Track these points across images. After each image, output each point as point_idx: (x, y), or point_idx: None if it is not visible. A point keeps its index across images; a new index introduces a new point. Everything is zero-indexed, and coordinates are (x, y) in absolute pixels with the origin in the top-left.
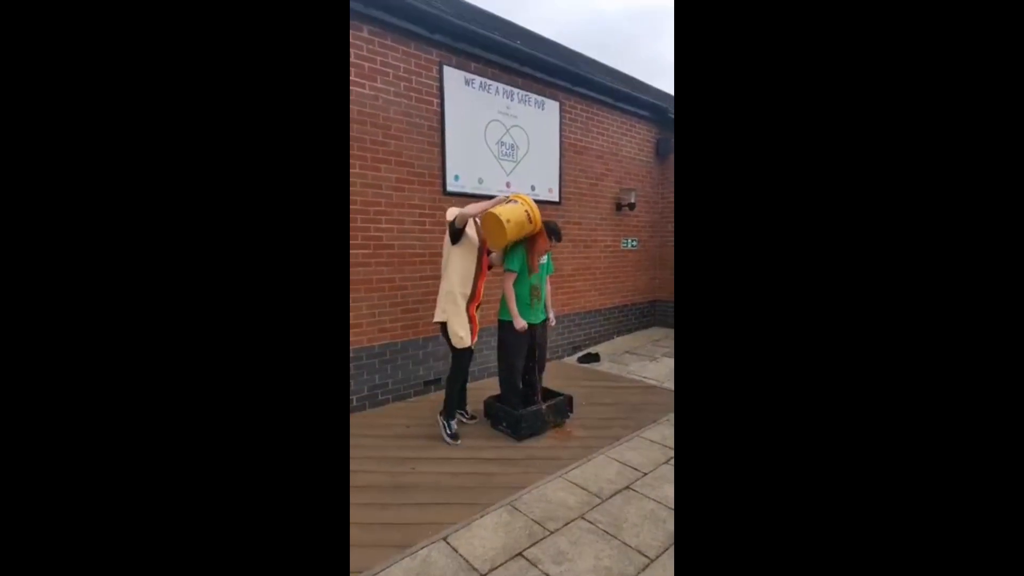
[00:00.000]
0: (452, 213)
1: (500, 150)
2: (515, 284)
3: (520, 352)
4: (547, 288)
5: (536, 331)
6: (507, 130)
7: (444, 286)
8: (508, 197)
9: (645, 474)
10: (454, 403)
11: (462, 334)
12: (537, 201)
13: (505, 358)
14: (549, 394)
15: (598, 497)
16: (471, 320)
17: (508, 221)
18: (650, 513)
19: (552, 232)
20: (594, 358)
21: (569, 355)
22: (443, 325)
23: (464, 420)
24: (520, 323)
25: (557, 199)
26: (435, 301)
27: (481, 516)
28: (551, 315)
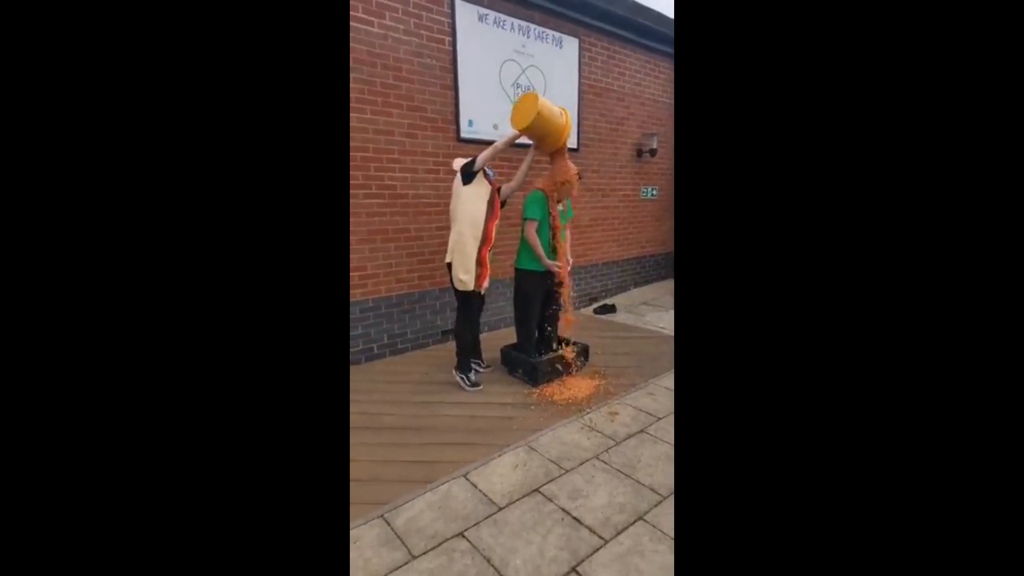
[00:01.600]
0: (459, 163)
1: (516, 93)
2: (538, 231)
3: (536, 299)
4: (567, 234)
5: (552, 280)
6: (523, 71)
7: (455, 228)
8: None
9: (659, 419)
10: (468, 354)
11: (464, 277)
12: None
13: (521, 306)
14: (565, 344)
15: (612, 440)
16: (482, 264)
17: (543, 105)
18: (663, 455)
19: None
20: (610, 309)
21: (585, 306)
22: (449, 266)
23: (479, 370)
24: (551, 264)
25: (575, 145)
26: (445, 251)
27: (499, 455)
28: (568, 259)
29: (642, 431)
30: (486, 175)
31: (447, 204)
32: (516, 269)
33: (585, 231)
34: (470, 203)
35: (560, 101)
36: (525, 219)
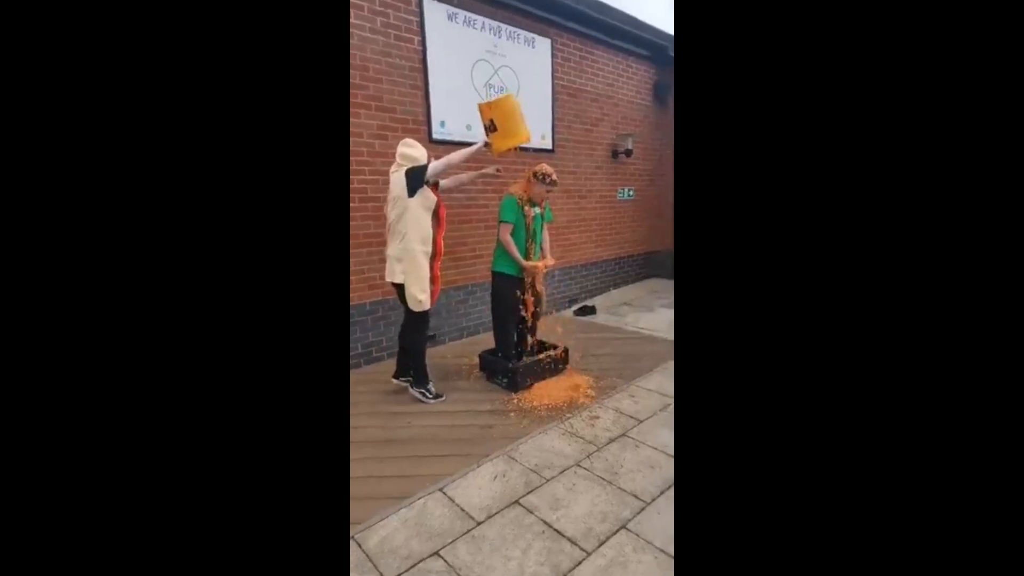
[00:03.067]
0: (405, 151)
1: (488, 93)
2: (513, 234)
3: (514, 304)
4: (544, 236)
5: (531, 284)
6: (495, 71)
7: (399, 244)
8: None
9: (641, 422)
10: (423, 368)
11: (421, 297)
12: (531, 149)
13: (499, 310)
14: (544, 345)
15: (594, 445)
16: (435, 280)
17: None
18: (646, 459)
19: (544, 178)
20: (590, 311)
21: (566, 308)
22: (400, 287)
23: (429, 397)
24: (526, 262)
25: (550, 146)
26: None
27: (478, 466)
28: (548, 261)
29: (623, 435)
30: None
31: None
32: (493, 272)
33: (563, 232)
34: (418, 216)
35: (534, 102)
36: (499, 222)
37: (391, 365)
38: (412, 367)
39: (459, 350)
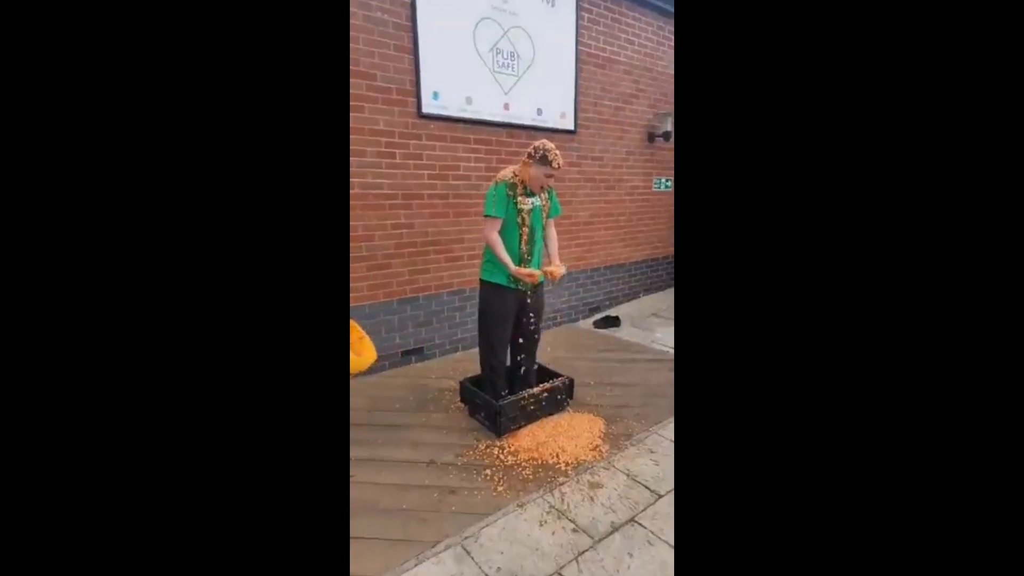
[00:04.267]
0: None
1: (495, 59)
2: (501, 232)
3: (504, 320)
4: (550, 234)
5: (527, 296)
6: (504, 32)
7: None
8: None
9: (659, 497)
10: None
11: None
12: (547, 129)
13: (484, 329)
14: (545, 374)
15: (588, 536)
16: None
17: None
18: (660, 564)
19: (543, 157)
20: (613, 322)
21: (585, 317)
22: None
23: None
24: (517, 268)
25: (571, 127)
26: (410, 253)
27: (416, 564)
28: (554, 268)
29: (632, 520)
30: None
31: (406, 196)
32: (480, 282)
33: (584, 229)
34: None
35: (553, 72)
36: (484, 216)
37: (363, 386)
38: None
39: (448, 368)
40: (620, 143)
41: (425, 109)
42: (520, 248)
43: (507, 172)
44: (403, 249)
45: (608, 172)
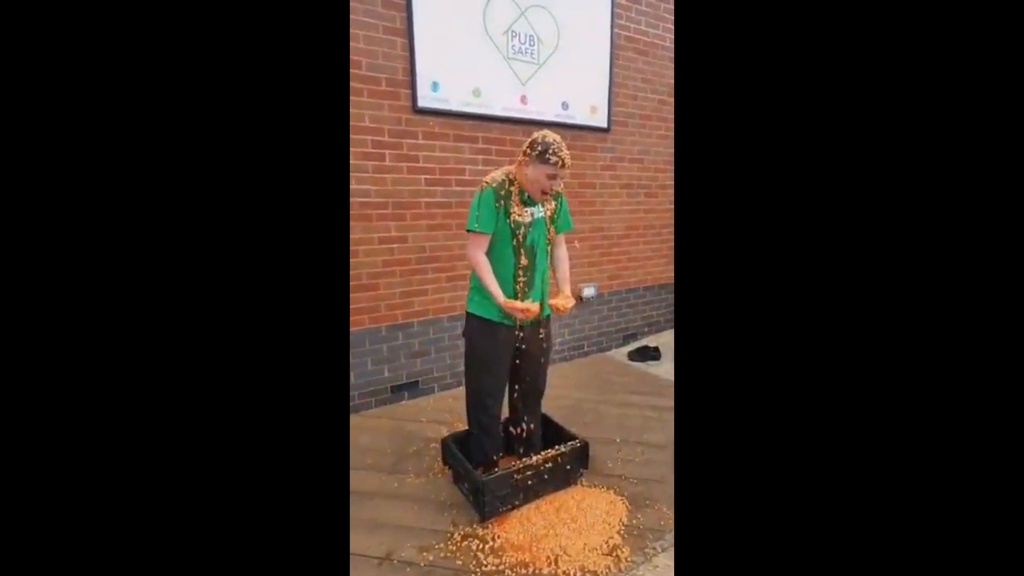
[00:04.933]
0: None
1: (510, 44)
2: (491, 252)
3: (495, 365)
4: (559, 255)
5: (525, 335)
6: (522, 12)
7: None
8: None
9: None
10: None
11: None
12: (573, 126)
13: (471, 374)
14: (552, 431)
15: None
16: None
17: None
18: None
19: (543, 153)
20: (652, 354)
21: (619, 346)
22: None
23: None
24: (507, 300)
25: (604, 123)
26: (403, 272)
27: None
28: (560, 301)
29: None
30: None
31: (397, 204)
32: (466, 315)
33: (619, 243)
34: None
35: (581, 59)
36: (466, 230)
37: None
38: None
39: (444, 408)
40: (663, 143)
41: (421, 103)
42: (515, 273)
43: (498, 173)
44: (393, 267)
45: (650, 177)
